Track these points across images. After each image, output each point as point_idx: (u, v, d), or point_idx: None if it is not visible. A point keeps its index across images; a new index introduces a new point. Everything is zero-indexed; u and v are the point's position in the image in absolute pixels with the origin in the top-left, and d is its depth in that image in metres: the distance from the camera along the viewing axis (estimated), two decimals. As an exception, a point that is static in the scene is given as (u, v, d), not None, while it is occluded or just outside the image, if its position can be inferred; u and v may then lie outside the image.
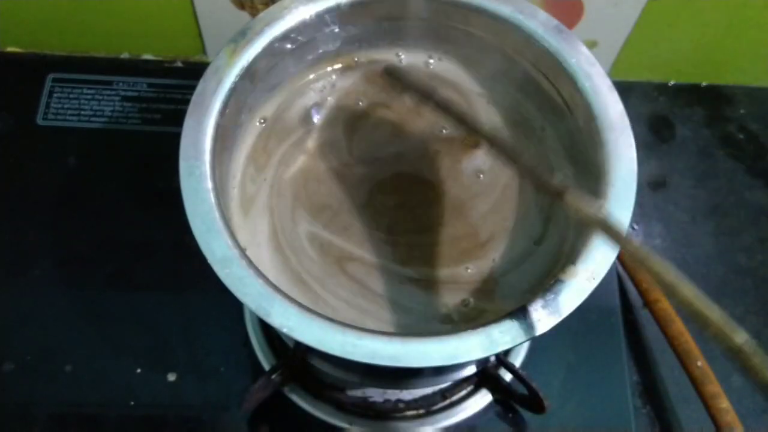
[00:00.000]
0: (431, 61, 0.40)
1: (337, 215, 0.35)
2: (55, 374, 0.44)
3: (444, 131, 0.38)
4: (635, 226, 0.53)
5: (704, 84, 0.60)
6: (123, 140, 0.53)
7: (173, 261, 0.47)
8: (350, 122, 0.38)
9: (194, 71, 0.37)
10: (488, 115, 0.39)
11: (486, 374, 0.44)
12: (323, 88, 0.39)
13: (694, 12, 0.52)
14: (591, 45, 0.54)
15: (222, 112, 0.33)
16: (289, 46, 0.36)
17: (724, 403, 0.43)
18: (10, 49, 0.56)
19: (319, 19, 0.36)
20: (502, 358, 0.43)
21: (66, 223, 0.49)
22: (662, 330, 0.47)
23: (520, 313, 0.29)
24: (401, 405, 0.44)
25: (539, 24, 0.35)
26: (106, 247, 0.48)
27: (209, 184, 0.31)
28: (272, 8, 0.35)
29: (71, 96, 0.54)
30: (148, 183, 0.50)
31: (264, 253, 0.34)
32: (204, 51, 0.56)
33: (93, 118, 0.53)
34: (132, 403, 0.44)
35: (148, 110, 0.54)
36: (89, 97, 0.54)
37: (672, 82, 0.60)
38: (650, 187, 0.55)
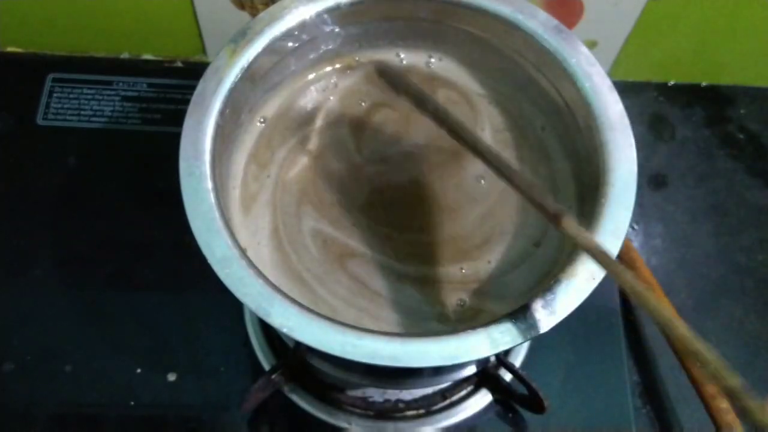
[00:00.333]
0: (431, 61, 0.40)
1: (346, 212, 0.36)
2: (55, 374, 0.44)
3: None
4: (635, 226, 0.53)
5: (704, 84, 0.60)
6: (123, 140, 0.53)
7: (173, 261, 0.47)
8: (352, 122, 0.38)
9: (194, 71, 0.37)
10: (488, 115, 0.39)
11: (486, 374, 0.44)
12: (324, 88, 0.39)
13: (694, 12, 0.52)
14: (591, 45, 0.54)
15: (222, 112, 0.33)
16: (289, 45, 0.36)
17: (724, 403, 0.43)
18: (10, 49, 0.56)
19: (319, 19, 0.36)
20: (502, 358, 0.43)
21: (66, 223, 0.49)
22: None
23: (520, 313, 0.29)
24: (401, 405, 0.44)
25: (539, 24, 0.35)
26: (106, 247, 0.48)
27: (209, 184, 0.31)
28: (272, 8, 0.35)
29: (71, 96, 0.54)
30: (148, 183, 0.50)
31: (264, 252, 0.34)
32: (204, 51, 0.56)
33: (93, 118, 0.53)
34: (132, 403, 0.44)
35: (148, 110, 0.54)
36: (89, 97, 0.54)
37: (672, 82, 0.60)
38: (650, 187, 0.55)
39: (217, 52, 0.34)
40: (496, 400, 0.45)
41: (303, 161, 0.37)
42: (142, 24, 0.54)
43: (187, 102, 0.33)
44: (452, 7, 0.37)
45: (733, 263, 0.52)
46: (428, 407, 0.45)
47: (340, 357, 0.27)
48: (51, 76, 0.55)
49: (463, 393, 0.45)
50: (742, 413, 0.22)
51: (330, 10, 0.36)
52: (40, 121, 0.53)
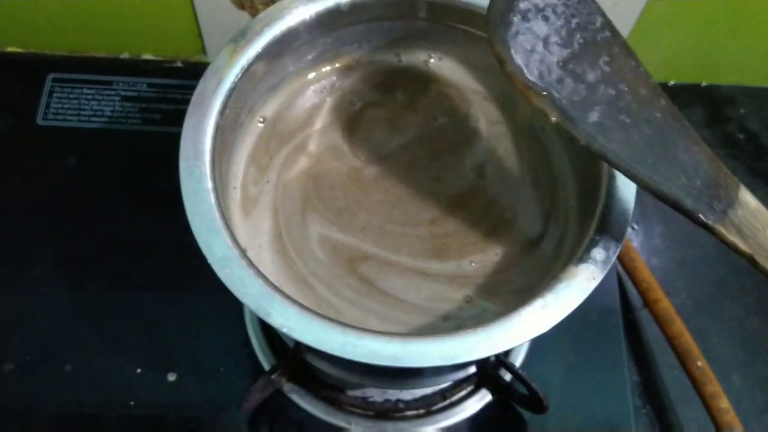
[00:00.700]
0: (431, 60, 0.40)
1: (354, 216, 0.36)
2: (55, 374, 0.44)
3: (439, 120, 0.38)
4: (635, 226, 0.53)
5: (704, 84, 0.60)
6: (123, 140, 0.53)
7: (173, 261, 0.47)
8: (352, 122, 0.38)
9: (194, 71, 0.37)
10: (483, 108, 0.39)
11: (486, 374, 0.44)
12: (323, 88, 0.39)
13: (694, 12, 0.52)
14: (591, 45, 0.54)
15: (222, 112, 0.33)
16: (289, 45, 0.36)
17: (724, 403, 0.43)
18: (10, 49, 0.56)
19: (319, 19, 0.36)
20: (502, 358, 0.43)
21: (66, 223, 0.49)
22: (662, 330, 0.47)
23: (520, 313, 0.29)
24: (401, 405, 0.44)
25: (539, 24, 0.35)
26: (106, 247, 0.48)
27: (209, 184, 0.31)
28: (272, 8, 0.35)
29: (71, 96, 0.54)
30: (148, 183, 0.50)
31: (265, 255, 0.34)
32: (204, 51, 0.56)
33: (93, 118, 0.53)
34: (132, 403, 0.44)
35: (148, 110, 0.54)
36: (89, 97, 0.54)
37: (672, 82, 0.60)
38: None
39: (217, 52, 0.34)
40: (496, 400, 0.45)
41: (302, 166, 0.37)
42: (142, 24, 0.54)
43: (187, 102, 0.33)
44: (452, 7, 0.37)
45: (733, 263, 0.52)
46: (428, 407, 0.45)
47: (340, 357, 0.27)
48: (51, 76, 0.55)
49: (463, 393, 0.45)
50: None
51: (330, 10, 0.36)
52: (40, 121, 0.53)
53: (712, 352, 0.46)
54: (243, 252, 0.29)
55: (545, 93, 0.28)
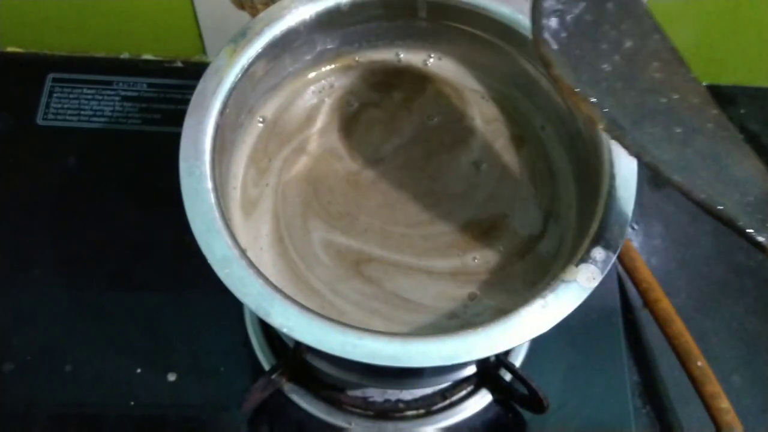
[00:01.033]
0: (431, 60, 0.40)
1: (356, 219, 0.36)
2: (55, 374, 0.44)
3: (435, 119, 0.38)
4: (635, 226, 0.53)
5: (704, 84, 0.60)
6: (123, 140, 0.53)
7: (173, 261, 0.47)
8: (352, 123, 0.38)
9: (194, 71, 0.37)
10: (479, 106, 0.39)
11: (486, 374, 0.44)
12: (322, 88, 0.39)
13: (695, 12, 0.52)
14: (591, 45, 0.54)
15: (222, 112, 0.33)
16: (289, 45, 0.36)
17: (724, 403, 0.43)
18: (10, 49, 0.56)
19: (319, 19, 0.36)
20: (502, 358, 0.43)
21: (66, 223, 0.49)
22: (662, 330, 0.47)
23: (520, 312, 0.29)
24: (401, 405, 0.44)
25: (539, 24, 0.35)
26: (106, 247, 0.48)
27: (209, 184, 0.31)
28: (272, 8, 0.35)
29: (71, 96, 0.54)
30: (148, 183, 0.50)
31: (266, 257, 0.34)
32: (204, 51, 0.56)
33: (93, 118, 0.53)
34: (132, 403, 0.44)
35: (148, 110, 0.54)
36: (89, 97, 0.54)
37: (672, 82, 0.59)
38: (650, 187, 0.55)
39: (217, 52, 0.34)
40: (496, 400, 0.45)
41: (300, 170, 0.37)
42: (142, 24, 0.54)
43: (187, 102, 0.33)
44: (452, 7, 0.37)
45: (733, 263, 0.52)
46: (428, 407, 0.45)
47: (340, 357, 0.27)
48: (51, 76, 0.55)
49: (463, 393, 0.45)
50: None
51: (330, 10, 0.36)
52: (40, 121, 0.53)
53: (712, 352, 0.46)
54: (243, 252, 0.29)
55: (594, 99, 0.26)
